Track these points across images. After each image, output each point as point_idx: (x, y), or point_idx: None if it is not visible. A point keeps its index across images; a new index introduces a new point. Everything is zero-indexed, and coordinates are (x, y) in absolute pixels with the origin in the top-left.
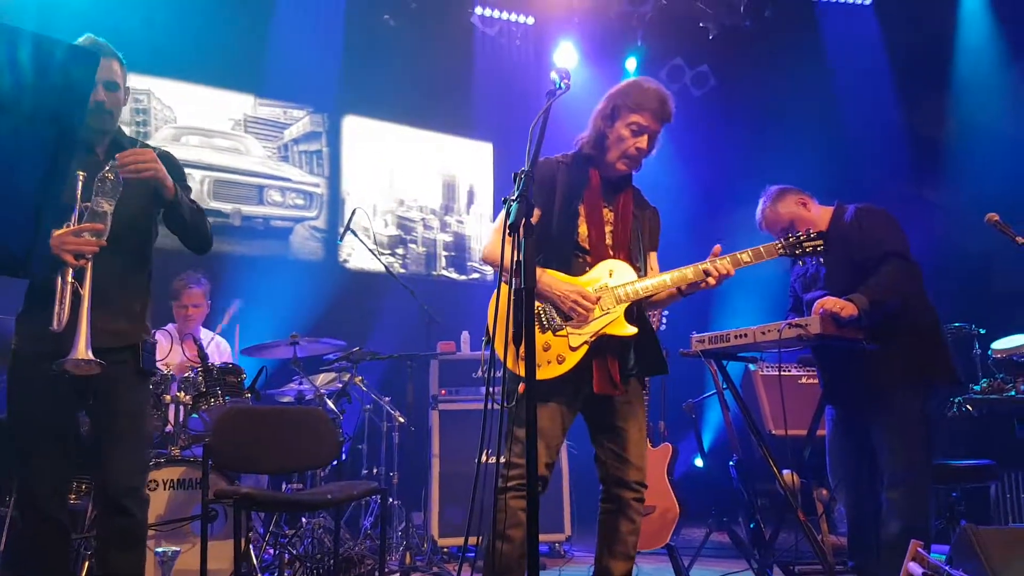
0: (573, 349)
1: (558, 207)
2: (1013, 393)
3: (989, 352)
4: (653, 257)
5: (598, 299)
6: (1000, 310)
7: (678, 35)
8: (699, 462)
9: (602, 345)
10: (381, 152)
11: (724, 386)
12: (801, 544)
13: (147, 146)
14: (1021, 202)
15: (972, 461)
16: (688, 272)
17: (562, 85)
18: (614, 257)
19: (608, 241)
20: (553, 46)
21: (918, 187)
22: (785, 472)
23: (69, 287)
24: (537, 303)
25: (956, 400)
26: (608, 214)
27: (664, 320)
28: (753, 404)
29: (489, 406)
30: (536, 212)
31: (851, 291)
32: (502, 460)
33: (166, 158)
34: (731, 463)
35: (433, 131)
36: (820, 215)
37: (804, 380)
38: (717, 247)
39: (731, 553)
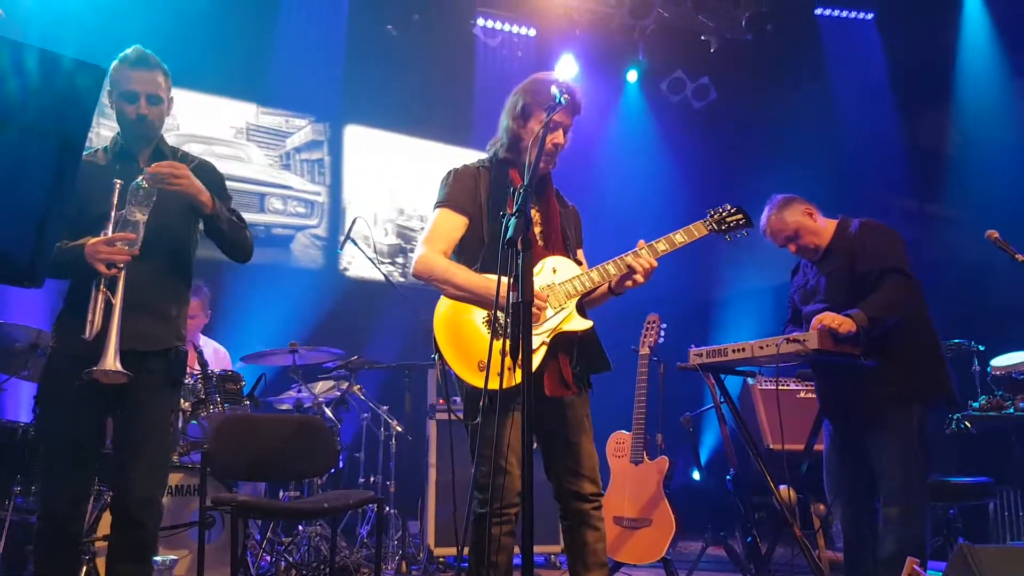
0: (532, 350)
1: (486, 214)
2: (1012, 411)
3: (988, 369)
4: (580, 254)
5: (547, 297)
6: (1000, 327)
7: (679, 48)
8: (696, 475)
9: (555, 345)
10: (382, 162)
11: (722, 400)
12: (798, 559)
13: (187, 155)
14: (1022, 218)
15: (970, 479)
16: (628, 258)
17: (563, 99)
18: (549, 255)
19: (539, 242)
20: (555, 58)
21: (919, 201)
22: (782, 487)
23: (101, 296)
24: (486, 311)
25: (955, 417)
26: (535, 215)
27: (662, 333)
28: (751, 418)
29: (458, 417)
30: (464, 220)
31: (850, 305)
32: (474, 478)
33: (204, 169)
34: (728, 477)
35: (434, 141)
36: (825, 227)
37: (802, 395)
38: (641, 242)
39: (727, 567)
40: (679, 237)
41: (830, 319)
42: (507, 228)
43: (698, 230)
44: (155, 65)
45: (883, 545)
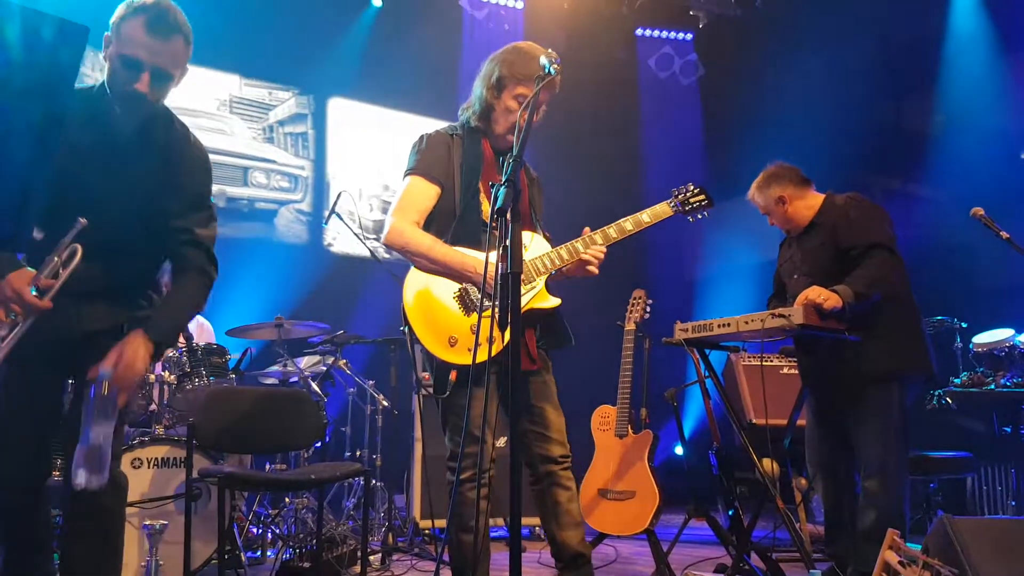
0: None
1: (458, 184)
2: (993, 387)
3: (970, 346)
4: (548, 236)
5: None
6: (982, 304)
7: (668, 23)
8: (679, 450)
9: (524, 321)
10: (367, 136)
11: (706, 375)
12: (779, 531)
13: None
14: (1006, 196)
15: (951, 453)
16: (578, 244)
17: (552, 70)
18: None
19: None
20: (543, 31)
21: (903, 181)
22: (764, 460)
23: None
24: (458, 284)
25: (937, 393)
26: None
27: (648, 309)
28: (734, 393)
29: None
30: (436, 190)
31: (834, 278)
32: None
33: (191, 155)
34: (711, 451)
35: (420, 115)
36: (813, 201)
37: (785, 370)
38: (586, 228)
39: (710, 539)
40: (645, 217)
41: (816, 294)
42: (496, 197)
43: (663, 211)
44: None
45: (863, 518)
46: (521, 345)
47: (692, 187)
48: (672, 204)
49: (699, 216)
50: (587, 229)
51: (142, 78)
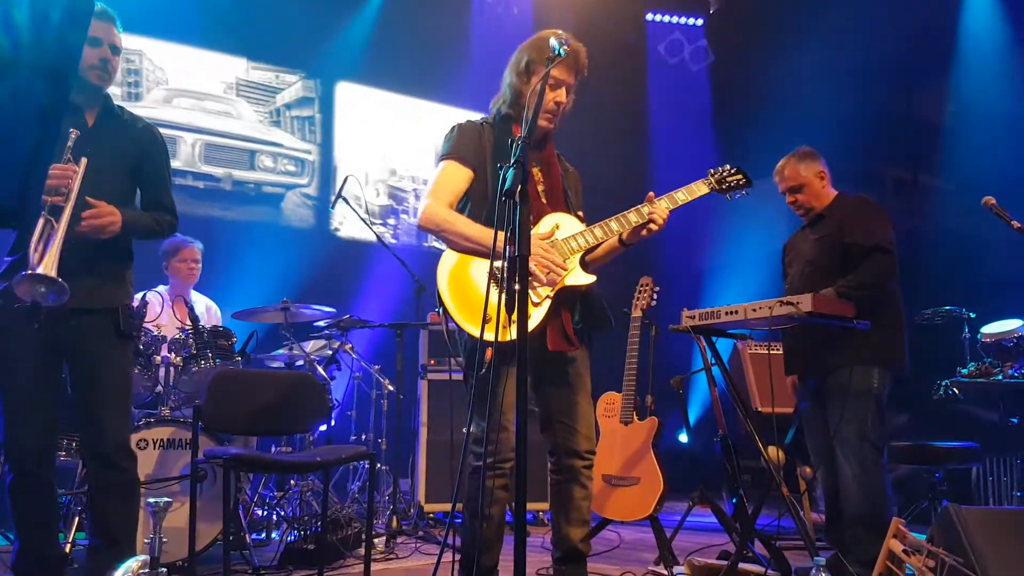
0: (536, 304)
1: (490, 168)
2: (1000, 377)
3: (978, 336)
4: (581, 216)
5: (567, 262)
6: (991, 294)
7: (679, 8)
8: (683, 438)
9: (558, 300)
10: (374, 120)
11: (712, 362)
12: (783, 520)
13: (136, 118)
14: (1018, 186)
15: (956, 443)
16: (631, 216)
17: (562, 51)
18: (551, 212)
19: (542, 199)
20: (552, 15)
21: (915, 170)
22: (769, 448)
23: (42, 221)
24: (494, 264)
25: (943, 383)
26: (537, 172)
27: (655, 296)
28: (739, 381)
29: (452, 377)
30: (469, 173)
31: (833, 267)
32: (472, 430)
33: (148, 137)
34: (716, 438)
35: (427, 100)
36: (826, 194)
37: None
38: (651, 194)
39: (714, 526)
40: (681, 195)
41: None
42: (504, 178)
43: (699, 188)
44: (113, 17)
45: (848, 503)
46: (557, 325)
47: (729, 167)
48: (708, 183)
49: (737, 196)
50: (651, 194)
51: (104, 48)
